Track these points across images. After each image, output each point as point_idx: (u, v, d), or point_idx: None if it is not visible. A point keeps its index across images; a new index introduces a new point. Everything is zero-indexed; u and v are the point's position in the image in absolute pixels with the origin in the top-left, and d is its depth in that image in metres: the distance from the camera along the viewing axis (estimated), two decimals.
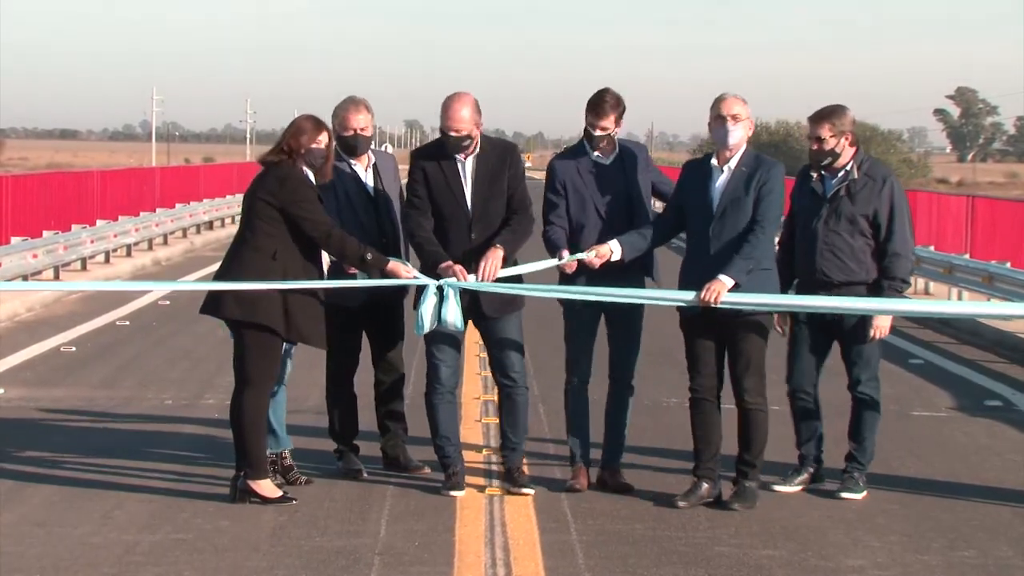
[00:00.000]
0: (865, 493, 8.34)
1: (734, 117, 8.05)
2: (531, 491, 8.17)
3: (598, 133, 8.23)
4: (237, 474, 8.00)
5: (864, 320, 8.28)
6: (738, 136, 8.07)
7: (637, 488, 8.34)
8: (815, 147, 8.30)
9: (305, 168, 8.06)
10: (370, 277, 8.16)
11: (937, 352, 15.26)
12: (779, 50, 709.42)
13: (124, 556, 6.98)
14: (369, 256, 8.03)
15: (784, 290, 8.34)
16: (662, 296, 8.20)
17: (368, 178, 8.62)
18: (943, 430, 10.68)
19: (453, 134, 8.06)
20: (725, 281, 7.89)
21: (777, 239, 8.40)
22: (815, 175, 8.37)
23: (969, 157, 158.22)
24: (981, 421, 11.13)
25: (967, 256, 21.09)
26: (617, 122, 8.25)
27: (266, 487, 7.95)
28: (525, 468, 8.39)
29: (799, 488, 8.44)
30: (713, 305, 7.87)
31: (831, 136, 8.25)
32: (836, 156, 8.30)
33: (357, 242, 8.08)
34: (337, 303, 8.42)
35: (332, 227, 8.02)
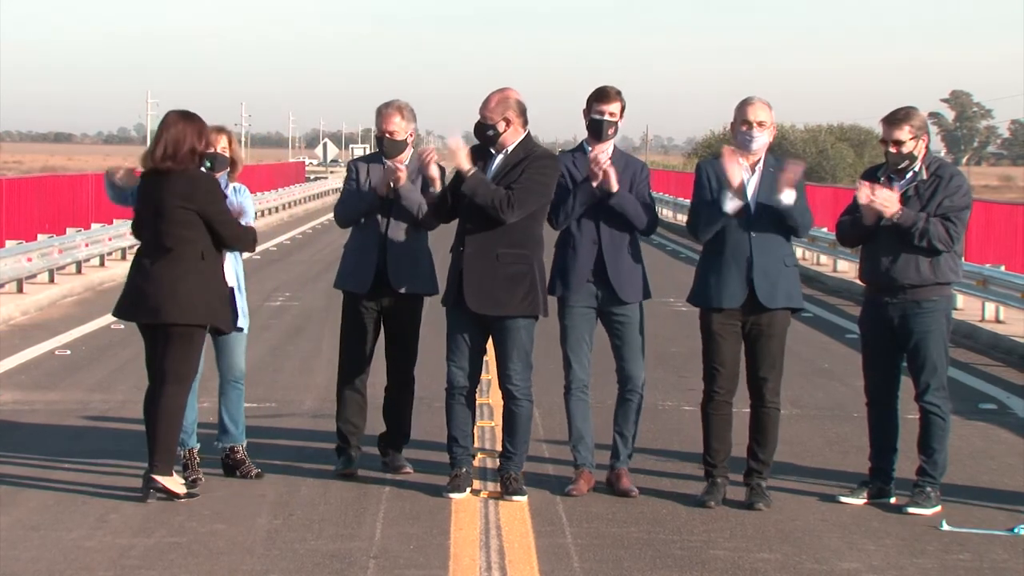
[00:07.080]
0: (939, 507, 8.12)
1: (760, 124, 8.06)
2: (523, 499, 8.17)
3: (607, 118, 8.33)
4: (150, 468, 8.01)
5: (928, 326, 8.13)
6: (761, 143, 8.10)
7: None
8: (894, 150, 8.10)
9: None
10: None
11: None
12: (774, 53, 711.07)
13: (119, 560, 6.98)
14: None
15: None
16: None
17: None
18: None
19: (480, 120, 8.21)
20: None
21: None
22: (883, 178, 8.21)
23: (964, 160, 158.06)
24: (976, 424, 11.13)
25: (962, 260, 21.06)
26: (621, 113, 8.41)
27: (172, 482, 7.99)
28: (521, 475, 8.37)
29: (863, 501, 8.25)
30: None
31: (911, 139, 8.11)
32: (914, 159, 8.14)
33: (254, 231, 8.36)
34: (348, 290, 8.69)
35: (238, 226, 8.20)
